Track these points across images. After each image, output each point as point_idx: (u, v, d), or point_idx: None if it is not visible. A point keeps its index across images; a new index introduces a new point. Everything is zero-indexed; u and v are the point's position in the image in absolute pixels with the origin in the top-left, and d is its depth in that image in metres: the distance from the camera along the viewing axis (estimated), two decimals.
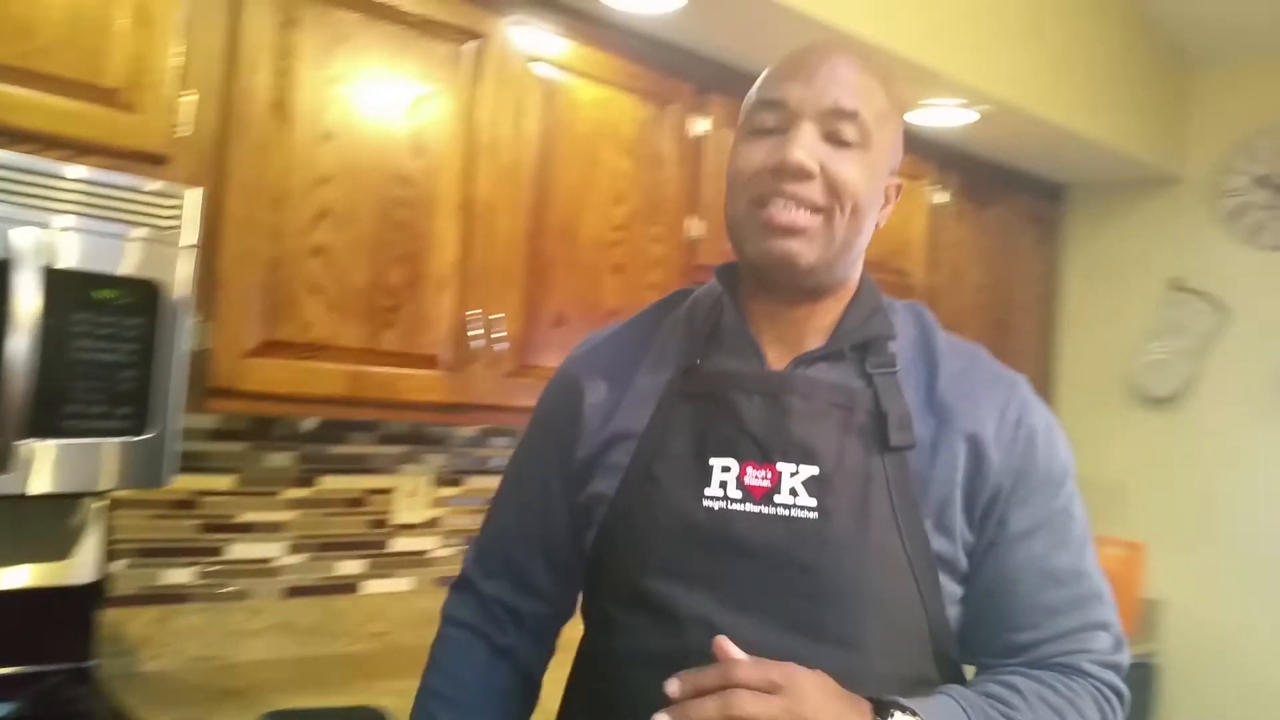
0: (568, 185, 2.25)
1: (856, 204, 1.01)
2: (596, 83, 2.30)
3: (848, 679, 0.92)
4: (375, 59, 1.95)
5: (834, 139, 1.01)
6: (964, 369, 1.07)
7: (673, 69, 2.44)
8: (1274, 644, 3.15)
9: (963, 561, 1.02)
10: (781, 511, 0.99)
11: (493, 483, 2.50)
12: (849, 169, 1.00)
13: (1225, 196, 3.39)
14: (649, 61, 2.40)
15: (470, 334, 2.06)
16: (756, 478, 1.00)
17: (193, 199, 1.65)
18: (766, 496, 1.00)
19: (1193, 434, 3.38)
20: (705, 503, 1.01)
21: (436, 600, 2.37)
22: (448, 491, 2.48)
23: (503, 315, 2.12)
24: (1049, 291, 3.70)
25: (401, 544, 2.40)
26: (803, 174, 0.99)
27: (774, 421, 1.02)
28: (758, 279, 1.08)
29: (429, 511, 2.44)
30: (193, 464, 2.08)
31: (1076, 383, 3.66)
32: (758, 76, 2.59)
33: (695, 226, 2.50)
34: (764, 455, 1.01)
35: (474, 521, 2.52)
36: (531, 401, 2.14)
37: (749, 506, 1.00)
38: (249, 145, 1.80)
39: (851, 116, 1.00)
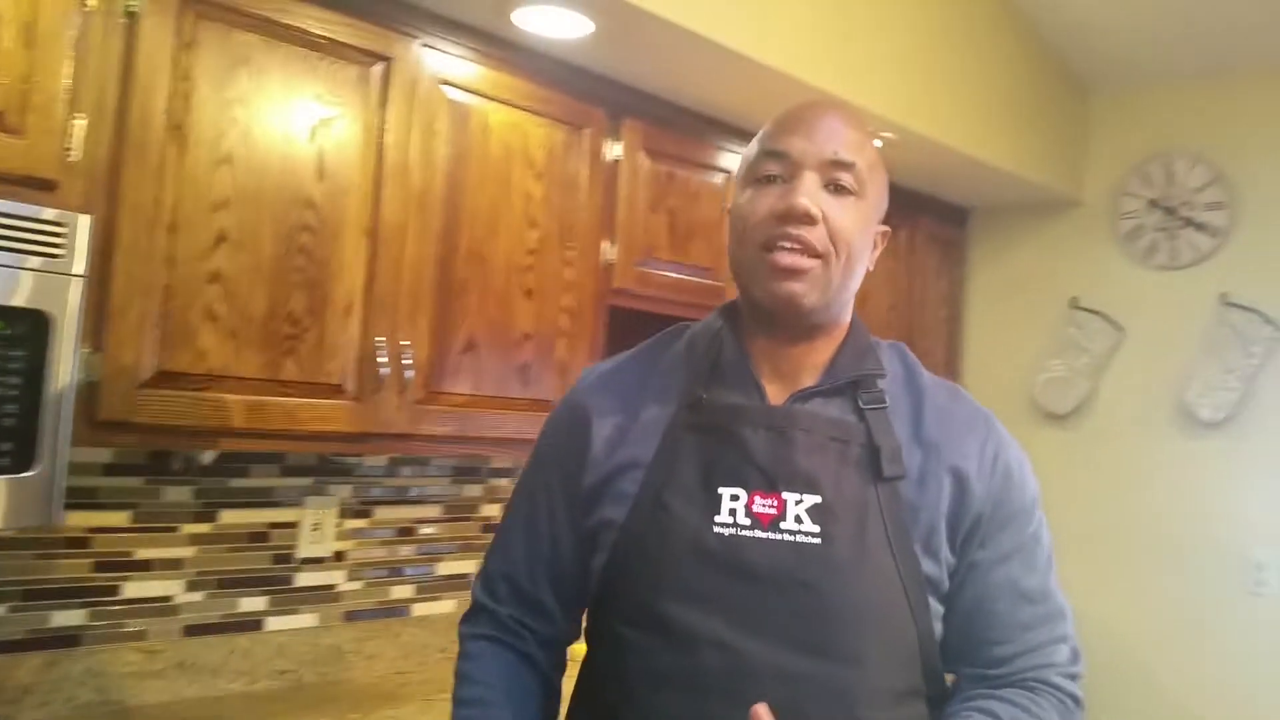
0: (479, 209, 2.22)
1: (851, 250, 1.11)
2: (508, 106, 2.28)
3: (850, 692, 1.04)
4: (278, 81, 1.90)
5: (833, 188, 1.10)
6: (946, 406, 1.17)
7: (586, 93, 2.44)
8: (1169, 647, 3.25)
9: (946, 582, 1.12)
10: (787, 537, 1.06)
11: (403, 513, 2.50)
12: (846, 217, 1.10)
13: (1121, 219, 3.51)
14: (562, 86, 2.39)
15: (377, 361, 2.02)
16: (764, 506, 1.07)
17: (82, 226, 1.59)
18: (773, 523, 1.07)
19: (1091, 449, 3.48)
20: (716, 529, 1.07)
21: (342, 636, 2.35)
22: (355, 524, 2.42)
23: (410, 342, 2.08)
24: (954, 312, 3.78)
25: (306, 579, 2.33)
26: (808, 219, 1.08)
27: (779, 454, 1.09)
28: (760, 318, 1.16)
29: (335, 544, 2.37)
30: (85, 500, 2.00)
31: (981, 400, 3.72)
32: (671, 101, 2.61)
33: (609, 250, 2.49)
34: (770, 485, 1.08)
35: (385, 554, 2.47)
36: (441, 429, 2.13)
37: (758, 533, 1.07)
38: (144, 169, 1.74)
39: (849, 167, 1.11)
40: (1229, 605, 3.18)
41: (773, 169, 1.12)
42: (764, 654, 1.03)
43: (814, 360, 1.16)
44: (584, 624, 1.25)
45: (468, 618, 1.28)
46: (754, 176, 1.14)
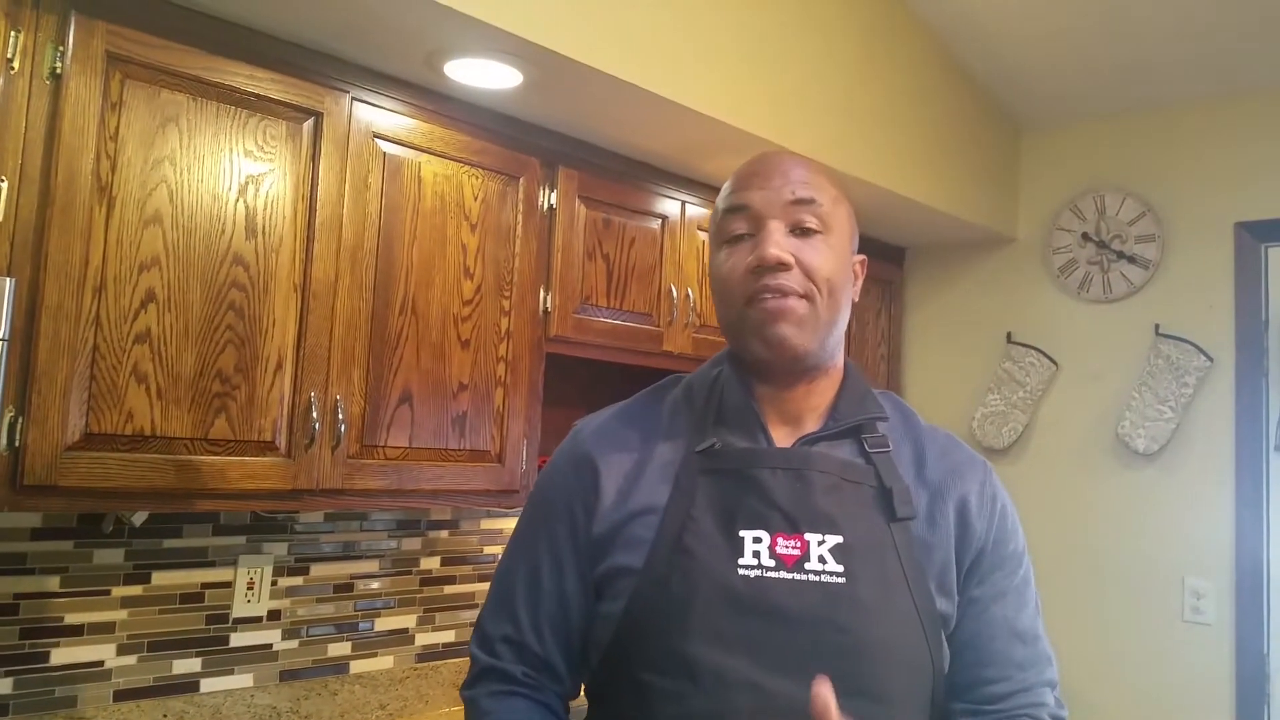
0: (414, 262, 2.23)
1: (832, 285, 1.13)
2: (442, 158, 2.29)
3: None
4: (207, 139, 1.91)
5: (800, 230, 1.13)
6: (945, 449, 1.21)
7: (519, 143, 2.46)
8: (1107, 676, 3.28)
9: (954, 619, 1.14)
10: (813, 577, 1.07)
11: (340, 569, 2.47)
12: (818, 255, 1.12)
13: (1054, 254, 3.58)
14: (495, 136, 2.41)
15: (309, 417, 2.01)
16: (787, 547, 1.08)
17: (4, 289, 1.57)
18: (798, 564, 1.08)
19: (1029, 482, 3.52)
20: (741, 571, 1.07)
21: (279, 696, 2.32)
22: (291, 581, 2.39)
23: (343, 396, 2.07)
24: (892, 350, 3.83)
25: (242, 639, 2.30)
26: (781, 266, 1.10)
27: (799, 495, 1.10)
28: (757, 369, 1.17)
29: (271, 603, 2.35)
30: (13, 566, 1.96)
31: None
32: (604, 148, 2.64)
33: (546, 299, 2.50)
34: (793, 526, 1.09)
35: (322, 611, 2.44)
36: (376, 483, 2.12)
37: (783, 574, 1.07)
38: (70, 231, 1.73)
39: (809, 205, 1.13)
40: (1166, 633, 3.22)
41: (739, 227, 1.15)
42: (795, 694, 1.01)
43: (814, 404, 1.19)
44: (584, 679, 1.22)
45: (473, 681, 1.21)
46: (723, 237, 1.17)
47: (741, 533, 1.09)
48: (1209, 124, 3.31)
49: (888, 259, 3.82)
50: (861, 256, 1.24)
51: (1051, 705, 1.19)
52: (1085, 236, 3.51)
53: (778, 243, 1.11)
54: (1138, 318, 3.40)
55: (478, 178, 2.36)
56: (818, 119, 2.76)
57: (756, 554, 1.08)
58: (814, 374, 1.18)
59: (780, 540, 1.08)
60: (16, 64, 1.67)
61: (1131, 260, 3.41)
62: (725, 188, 1.21)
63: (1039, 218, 3.65)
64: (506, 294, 2.41)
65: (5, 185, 1.65)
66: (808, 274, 1.11)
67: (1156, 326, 3.33)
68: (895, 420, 1.22)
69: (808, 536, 1.09)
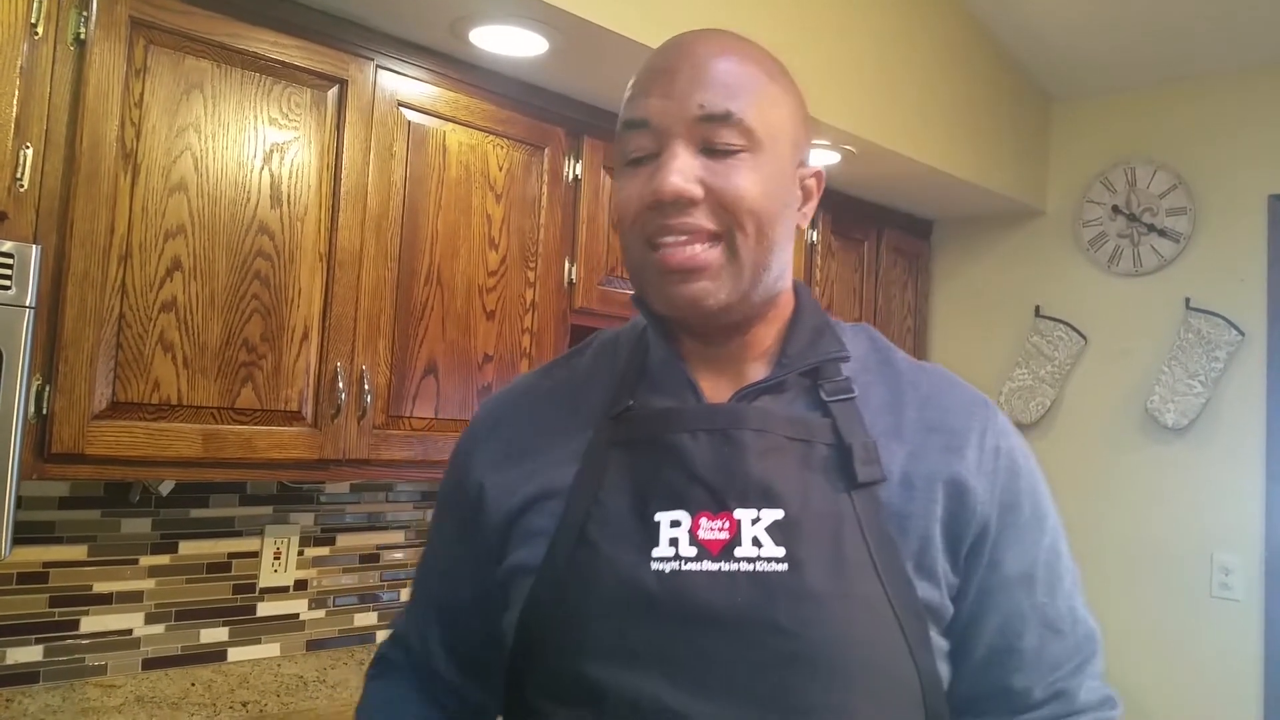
0: (439, 232, 2.21)
1: (759, 217, 0.87)
2: (467, 127, 2.27)
3: None
4: (231, 107, 1.89)
5: (714, 149, 0.86)
6: (932, 392, 0.96)
7: (545, 112, 2.44)
8: (1135, 652, 3.26)
9: (949, 609, 0.89)
10: (745, 566, 0.83)
11: (366, 540, 2.47)
12: (739, 180, 0.86)
13: (1084, 226, 3.53)
14: (521, 105, 2.38)
15: (335, 387, 2.00)
16: (712, 530, 0.85)
17: (32, 257, 1.57)
18: (726, 550, 0.84)
19: (1057, 457, 3.48)
20: (654, 565, 0.84)
21: (305, 666, 2.34)
22: (317, 551, 2.40)
23: (369, 366, 2.06)
24: (919, 323, 3.80)
25: (268, 608, 2.31)
26: (683, 202, 0.85)
27: (726, 462, 0.86)
28: (673, 325, 0.94)
29: (297, 573, 2.35)
30: (42, 534, 1.97)
31: None
32: None
33: (571, 270, 2.48)
34: (719, 503, 0.85)
35: (348, 581, 2.44)
36: (402, 454, 2.12)
37: (706, 564, 0.83)
38: (95, 198, 1.72)
39: (725, 119, 0.85)
40: (1194, 609, 3.20)
41: (637, 144, 0.88)
42: None
43: (756, 351, 0.94)
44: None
45: (370, 666, 1.10)
46: (624, 158, 0.90)
47: (657, 516, 0.86)
48: (1242, 96, 3.25)
49: (915, 232, 3.78)
50: (816, 169, 0.96)
51: (1094, 704, 0.96)
52: (1115, 209, 3.46)
53: (680, 170, 0.85)
54: (1168, 291, 3.35)
55: (503, 148, 2.34)
56: (849, 89, 2.72)
57: (674, 541, 0.84)
58: (750, 322, 0.93)
59: (704, 521, 0.85)
60: (41, 29, 1.66)
61: (1162, 233, 3.36)
62: (627, 91, 0.92)
63: (1069, 190, 3.60)
64: (531, 265, 2.39)
65: (30, 152, 1.64)
66: (724, 205, 0.85)
67: (1187, 300, 3.28)
68: (868, 359, 0.97)
69: (738, 514, 0.84)
